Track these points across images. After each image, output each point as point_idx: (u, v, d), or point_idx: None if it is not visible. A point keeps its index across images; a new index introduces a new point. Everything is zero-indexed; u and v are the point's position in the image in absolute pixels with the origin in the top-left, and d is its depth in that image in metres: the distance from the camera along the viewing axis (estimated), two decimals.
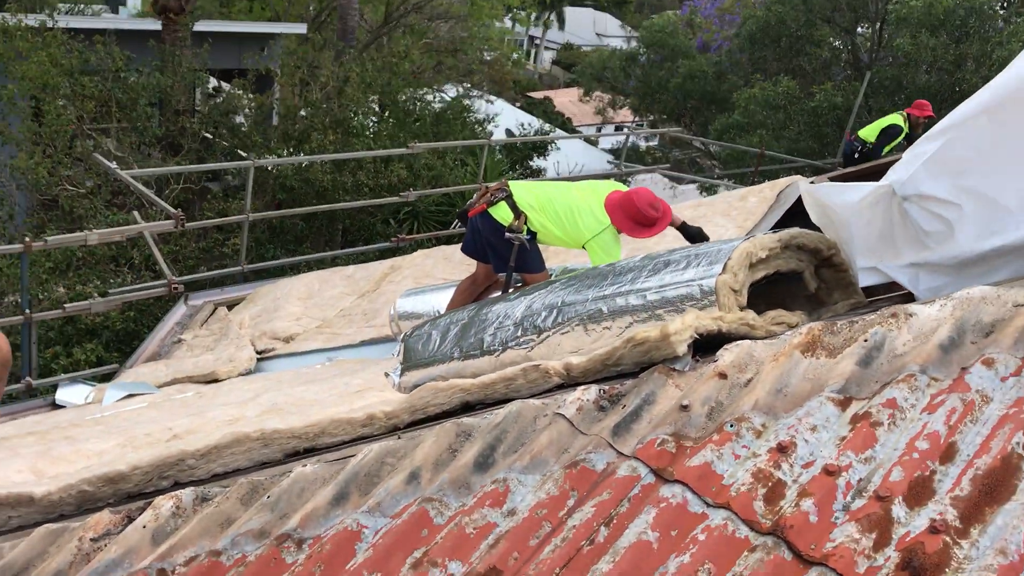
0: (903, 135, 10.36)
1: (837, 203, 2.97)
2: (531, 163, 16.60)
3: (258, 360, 5.67)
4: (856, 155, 10.49)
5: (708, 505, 1.74)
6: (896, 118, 10.52)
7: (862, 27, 17.38)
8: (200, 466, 2.47)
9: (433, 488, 1.95)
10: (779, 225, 6.01)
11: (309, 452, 2.56)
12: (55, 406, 5.48)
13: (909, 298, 2.83)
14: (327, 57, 12.77)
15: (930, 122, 10.45)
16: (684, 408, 1.98)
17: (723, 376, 2.06)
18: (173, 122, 11.52)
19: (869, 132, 10.56)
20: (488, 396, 2.58)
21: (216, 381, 5.30)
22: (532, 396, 2.39)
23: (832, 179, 6.61)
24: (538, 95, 33.27)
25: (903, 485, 1.64)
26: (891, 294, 3.06)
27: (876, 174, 3.27)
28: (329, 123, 11.39)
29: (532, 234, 4.62)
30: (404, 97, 13.34)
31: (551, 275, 4.70)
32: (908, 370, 1.89)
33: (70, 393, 5.64)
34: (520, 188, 4.68)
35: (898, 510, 1.60)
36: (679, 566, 1.63)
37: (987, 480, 1.60)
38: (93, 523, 2.05)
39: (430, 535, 1.84)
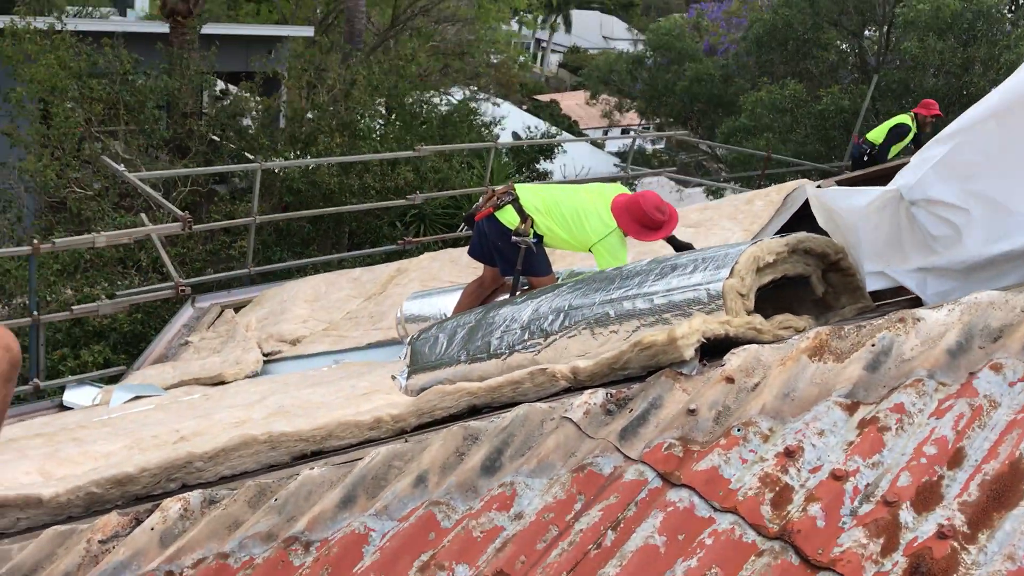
0: (911, 135, 10.34)
1: (844, 207, 2.97)
2: (538, 166, 16.62)
3: (264, 362, 5.68)
4: (865, 158, 10.47)
5: (715, 509, 1.74)
6: (904, 118, 10.50)
7: (869, 30, 17.36)
8: (208, 468, 2.47)
9: (440, 491, 1.95)
10: (785, 229, 6.00)
11: (316, 455, 2.56)
12: (62, 408, 5.50)
13: (917, 303, 2.82)
14: (334, 60, 12.80)
15: (937, 121, 10.44)
16: (691, 412, 1.98)
17: (730, 380, 2.05)
18: (180, 125, 11.56)
19: (877, 134, 10.54)
20: (495, 399, 2.58)
21: (223, 383, 5.32)
22: (539, 400, 2.39)
23: (840, 183, 6.60)
24: (545, 98, 33.27)
25: (911, 490, 1.63)
26: (899, 298, 3.06)
27: (884, 178, 3.26)
28: (336, 126, 11.42)
29: (539, 237, 4.62)
30: (411, 100, 13.37)
31: (558, 278, 4.70)
32: (916, 375, 1.89)
33: (77, 395, 5.67)
34: (526, 191, 4.68)
35: (906, 515, 1.60)
36: (686, 570, 1.63)
37: (995, 485, 1.60)
38: (101, 525, 2.06)
39: (437, 538, 1.85)
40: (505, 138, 16.49)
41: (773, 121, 15.70)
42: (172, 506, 2.05)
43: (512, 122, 19.74)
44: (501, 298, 4.70)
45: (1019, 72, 2.64)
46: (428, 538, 1.85)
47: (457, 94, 17.79)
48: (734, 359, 2.12)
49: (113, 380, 6.23)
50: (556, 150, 16.82)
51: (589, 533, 1.77)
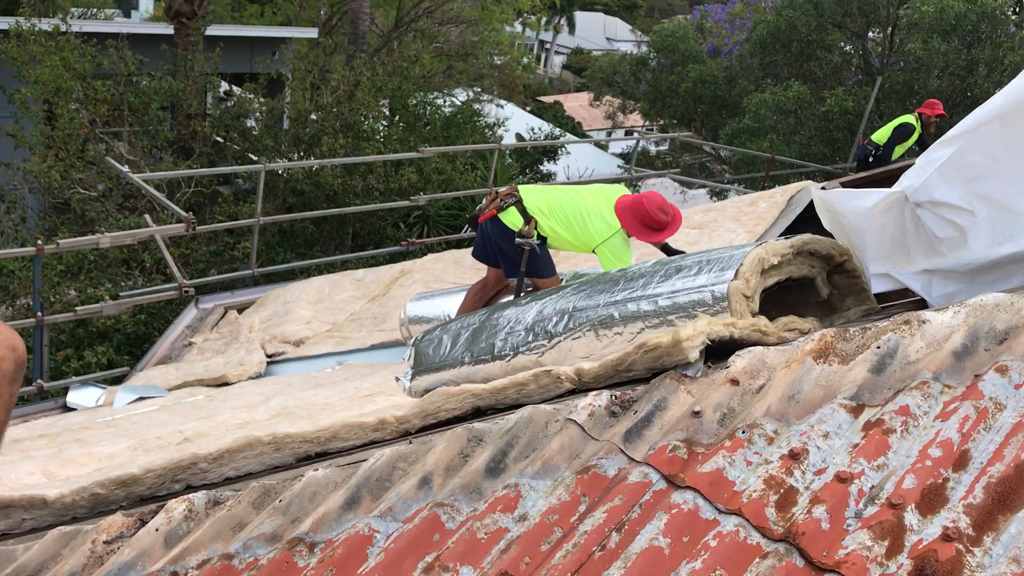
0: (915, 135, 10.33)
1: (849, 209, 2.97)
2: (541, 167, 16.62)
3: (268, 363, 5.68)
4: (871, 159, 10.46)
5: (720, 511, 1.74)
6: (908, 118, 10.50)
7: (873, 32, 17.34)
8: (212, 470, 2.48)
9: (445, 493, 1.95)
10: (790, 230, 5.99)
11: (320, 456, 2.56)
12: (66, 409, 5.50)
13: (922, 305, 2.82)
14: (338, 61, 12.81)
15: (942, 120, 10.43)
16: (696, 414, 1.98)
17: (735, 382, 2.05)
18: (185, 126, 11.57)
19: (882, 135, 10.53)
20: (499, 401, 2.58)
21: (226, 384, 5.32)
22: (543, 401, 2.39)
23: (844, 184, 6.59)
24: (548, 99, 33.27)
25: (916, 493, 1.63)
26: (904, 300, 3.05)
27: (888, 180, 3.26)
28: (340, 127, 11.43)
29: (542, 239, 4.61)
30: (414, 101, 13.38)
31: (562, 280, 4.70)
32: (921, 377, 1.88)
33: (81, 396, 5.67)
34: (530, 193, 4.68)
35: (911, 518, 1.60)
36: (691, 572, 1.63)
37: (1000, 488, 1.59)
38: (106, 526, 2.06)
39: (442, 540, 1.85)
40: (509, 139, 16.50)
41: (777, 123, 15.68)
42: (177, 507, 2.05)
43: (516, 123, 19.75)
44: (505, 300, 4.70)
45: (1023, 74, 2.63)
46: (433, 539, 1.85)
47: (461, 95, 17.81)
48: (739, 361, 2.12)
49: (117, 381, 6.23)
50: (560, 152, 16.82)
51: (593, 535, 1.77)
